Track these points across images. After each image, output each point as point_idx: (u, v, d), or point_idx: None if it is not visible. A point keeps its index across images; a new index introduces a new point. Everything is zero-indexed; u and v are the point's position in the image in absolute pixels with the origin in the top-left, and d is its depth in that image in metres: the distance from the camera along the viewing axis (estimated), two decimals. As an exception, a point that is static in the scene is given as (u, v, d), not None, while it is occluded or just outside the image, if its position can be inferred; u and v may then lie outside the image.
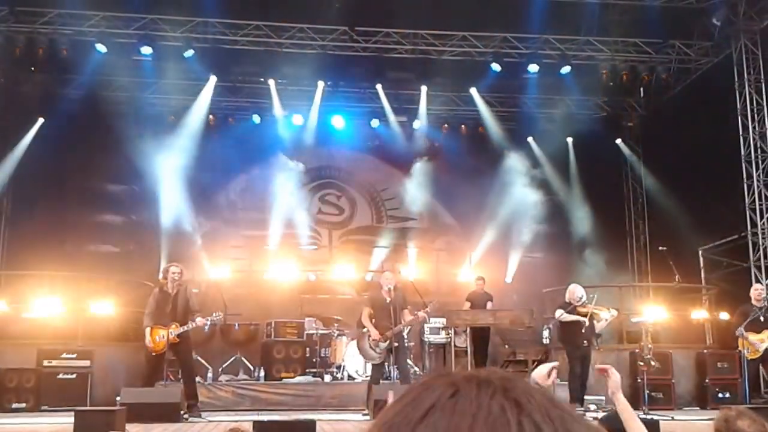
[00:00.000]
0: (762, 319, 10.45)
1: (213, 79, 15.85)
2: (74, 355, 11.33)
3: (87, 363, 11.32)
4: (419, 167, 17.34)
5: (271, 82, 16.20)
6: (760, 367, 10.95)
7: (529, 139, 17.59)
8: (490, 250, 16.77)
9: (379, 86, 16.39)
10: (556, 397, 0.74)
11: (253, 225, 17.17)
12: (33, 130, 15.67)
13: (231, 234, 17.21)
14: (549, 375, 3.07)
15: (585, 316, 10.40)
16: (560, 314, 10.59)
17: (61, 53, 13.77)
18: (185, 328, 9.79)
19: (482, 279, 14.03)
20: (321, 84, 16.30)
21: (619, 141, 17.94)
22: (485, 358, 13.54)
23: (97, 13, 13.85)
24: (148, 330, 9.76)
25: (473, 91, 16.59)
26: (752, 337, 10.44)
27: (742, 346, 10.59)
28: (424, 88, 16.61)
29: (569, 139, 17.57)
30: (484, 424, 0.67)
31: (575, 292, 10.59)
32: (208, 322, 10.09)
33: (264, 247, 16.86)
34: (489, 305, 13.36)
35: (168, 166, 15.57)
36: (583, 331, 10.41)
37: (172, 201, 15.57)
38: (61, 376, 11.15)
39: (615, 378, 3.45)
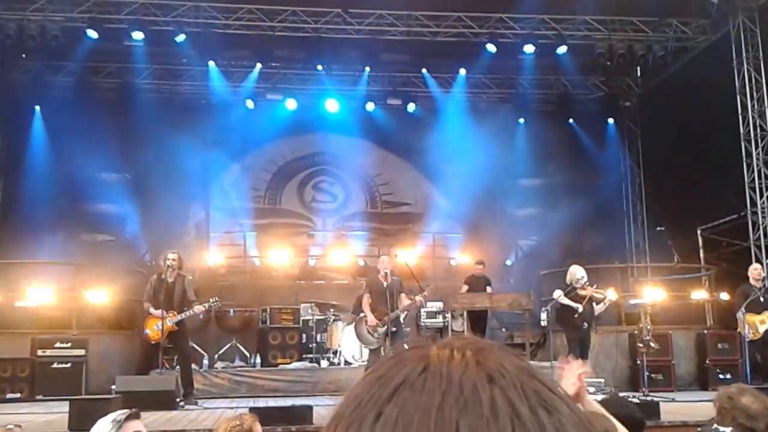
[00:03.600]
0: (762, 299, 10.34)
1: (212, 64, 15.65)
2: (69, 344, 11.23)
3: (81, 352, 11.23)
4: (413, 151, 17.20)
5: (258, 66, 16.00)
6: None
7: (521, 120, 17.43)
8: (487, 233, 16.66)
9: (367, 69, 16.15)
10: (533, 367, 0.69)
11: (246, 212, 17.07)
12: (37, 120, 15.60)
13: (225, 221, 17.12)
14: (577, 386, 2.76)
15: (585, 298, 10.31)
16: (558, 295, 10.50)
17: (51, 40, 13.57)
18: (182, 315, 9.77)
19: (482, 263, 13.86)
20: (320, 67, 16.10)
21: (611, 121, 17.79)
22: (483, 341, 13.45)
23: (87, -2, 13.69)
24: (149, 308, 9.82)
25: (462, 72, 16.42)
26: (751, 317, 10.33)
27: (742, 327, 10.47)
28: (424, 71, 16.48)
29: (570, 120, 17.43)
30: (454, 402, 0.64)
31: (576, 273, 10.49)
32: (205, 308, 10.04)
33: (259, 234, 16.78)
34: (489, 290, 13.25)
35: (161, 153, 15.44)
36: (580, 313, 10.31)
37: (165, 189, 15.43)
38: (55, 365, 11.06)
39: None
